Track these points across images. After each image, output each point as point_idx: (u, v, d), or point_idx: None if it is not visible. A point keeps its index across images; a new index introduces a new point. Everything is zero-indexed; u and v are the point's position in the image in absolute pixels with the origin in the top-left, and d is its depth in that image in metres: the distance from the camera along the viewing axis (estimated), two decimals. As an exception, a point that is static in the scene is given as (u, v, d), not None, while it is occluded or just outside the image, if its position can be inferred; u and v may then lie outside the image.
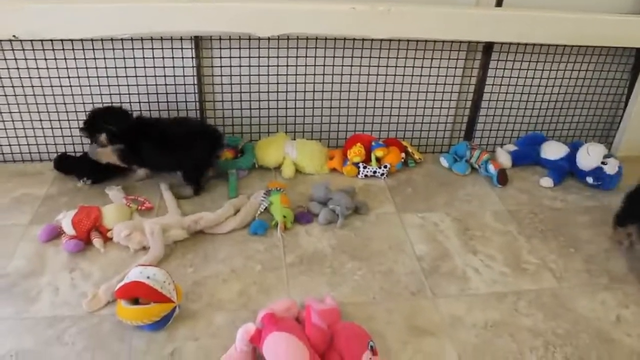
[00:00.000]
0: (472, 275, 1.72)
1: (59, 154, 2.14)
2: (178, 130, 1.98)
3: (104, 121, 1.93)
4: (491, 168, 2.18)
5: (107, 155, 1.97)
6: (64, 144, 2.19)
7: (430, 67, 2.22)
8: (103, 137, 1.93)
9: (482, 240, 1.88)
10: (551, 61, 2.29)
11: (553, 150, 2.31)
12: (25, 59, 2.02)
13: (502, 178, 2.17)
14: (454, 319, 1.55)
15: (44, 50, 2.01)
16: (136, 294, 1.43)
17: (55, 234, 1.79)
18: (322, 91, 2.22)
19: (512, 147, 2.39)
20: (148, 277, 1.44)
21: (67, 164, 2.11)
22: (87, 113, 1.98)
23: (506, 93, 2.33)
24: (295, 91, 2.21)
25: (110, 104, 2.09)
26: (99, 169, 2.03)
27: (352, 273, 1.70)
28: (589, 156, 2.19)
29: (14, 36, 1.88)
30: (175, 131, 1.98)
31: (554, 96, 2.39)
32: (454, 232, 1.91)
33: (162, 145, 1.95)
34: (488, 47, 2.21)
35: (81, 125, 1.97)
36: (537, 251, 1.84)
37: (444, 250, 1.82)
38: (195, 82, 2.13)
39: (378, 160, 2.17)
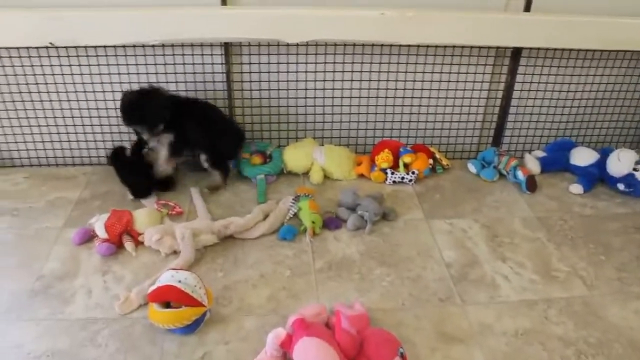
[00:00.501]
0: (501, 282, 1.71)
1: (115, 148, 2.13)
2: (215, 113, 2.09)
3: (155, 110, 1.95)
4: (520, 174, 2.17)
5: (169, 161, 2.05)
6: (97, 149, 2.24)
7: (459, 73, 2.22)
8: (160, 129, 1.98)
9: (511, 247, 1.87)
10: (581, 66, 2.27)
11: (583, 157, 2.28)
12: (61, 65, 2.07)
13: (531, 184, 2.15)
14: (483, 326, 1.54)
15: (78, 57, 2.06)
16: (168, 297, 1.45)
17: (88, 237, 1.83)
18: (350, 97, 2.23)
19: (540, 153, 2.37)
20: (179, 281, 1.46)
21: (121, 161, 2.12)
22: (125, 104, 1.96)
23: (535, 98, 2.32)
24: (324, 97, 2.22)
25: (140, 88, 2.02)
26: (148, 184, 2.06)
27: (381, 279, 1.70)
28: (620, 162, 2.16)
29: (50, 43, 1.93)
30: (213, 113, 2.09)
31: (583, 101, 2.36)
32: (482, 238, 1.91)
33: (203, 125, 2.03)
34: (516, 52, 2.20)
35: (132, 119, 1.97)
36: (567, 258, 1.82)
37: (473, 257, 1.82)
38: (225, 88, 2.16)
39: (406, 166, 2.17)
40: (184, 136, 2.02)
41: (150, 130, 1.97)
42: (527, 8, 2.11)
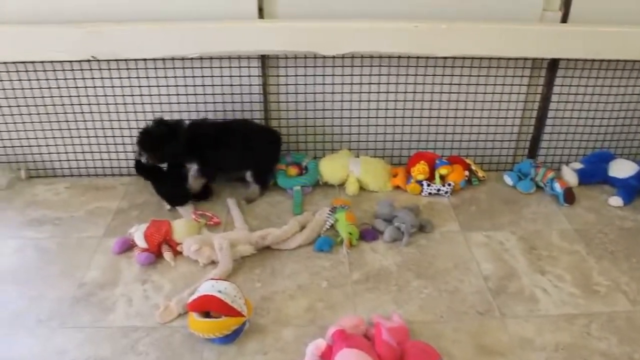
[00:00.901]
0: (540, 295, 1.69)
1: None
2: (251, 130, 2.12)
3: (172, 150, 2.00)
4: (557, 186, 2.14)
5: (197, 181, 2.08)
6: (134, 159, 2.26)
7: (495, 85, 2.21)
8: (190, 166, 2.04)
9: (550, 260, 1.84)
10: (619, 77, 2.23)
11: (622, 168, 2.24)
12: (102, 78, 2.12)
13: (569, 197, 2.12)
14: (523, 340, 1.52)
15: (119, 69, 2.10)
16: (208, 307, 1.47)
17: (128, 246, 1.86)
18: (386, 109, 2.24)
19: (578, 165, 2.34)
20: (219, 291, 1.47)
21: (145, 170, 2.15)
22: (143, 141, 2.00)
23: (572, 110, 2.29)
24: (360, 109, 2.23)
25: (158, 121, 2.04)
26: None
27: (418, 291, 1.70)
28: (661, 174, 2.13)
29: (92, 57, 1.98)
30: (249, 132, 2.11)
31: (622, 112, 2.32)
32: (520, 251, 1.89)
33: (243, 149, 2.06)
34: (553, 64, 2.18)
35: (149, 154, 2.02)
36: (607, 272, 1.79)
37: (511, 269, 1.80)
38: (262, 100, 2.18)
39: (442, 178, 2.16)
40: (218, 162, 2.08)
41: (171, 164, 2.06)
42: (564, 19, 2.10)
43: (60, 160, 2.28)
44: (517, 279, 1.76)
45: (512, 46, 2.05)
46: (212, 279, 1.56)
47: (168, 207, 2.06)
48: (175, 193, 2.05)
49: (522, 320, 1.60)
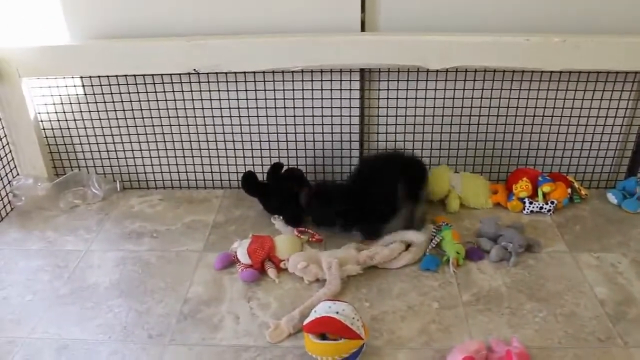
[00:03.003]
0: (664, 324, 1.60)
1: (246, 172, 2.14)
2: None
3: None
4: (666, 206, 2.05)
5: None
6: (228, 172, 2.28)
7: (601, 100, 2.11)
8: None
9: (669, 285, 1.76)
10: None
11: None
12: (200, 91, 2.12)
13: (680, 217, 2.03)
14: (654, 371, 1.44)
15: (217, 82, 2.10)
16: (327, 329, 1.42)
17: (229, 262, 1.84)
18: (487, 124, 2.17)
19: (686, 184, 2.23)
20: (337, 313, 1.43)
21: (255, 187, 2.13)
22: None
23: (680, 125, 2.19)
24: (460, 124, 2.17)
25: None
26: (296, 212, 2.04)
27: (533, 315, 1.62)
28: None
29: (194, 70, 1.98)
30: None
31: None
32: (634, 274, 1.78)
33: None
34: (661, 77, 2.09)
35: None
36: None
37: (628, 294, 1.70)
38: (360, 114, 2.15)
39: (544, 195, 2.09)
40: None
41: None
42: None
43: (153, 173, 2.29)
44: (635, 304, 1.66)
45: (624, 59, 1.95)
46: (327, 299, 1.52)
47: (283, 224, 2.02)
48: (293, 211, 2.01)
49: (649, 350, 1.51)
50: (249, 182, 2.11)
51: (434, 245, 1.85)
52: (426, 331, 1.56)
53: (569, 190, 2.13)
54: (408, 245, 1.85)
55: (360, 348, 1.44)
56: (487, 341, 1.49)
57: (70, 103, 2.17)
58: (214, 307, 1.67)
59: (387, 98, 2.12)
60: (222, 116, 2.16)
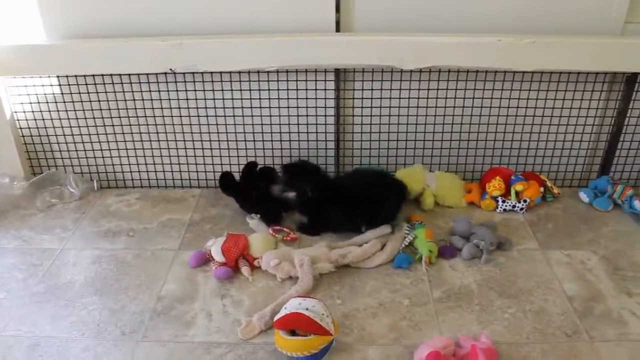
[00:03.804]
0: (629, 319, 1.61)
1: (223, 172, 2.17)
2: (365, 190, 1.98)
3: (301, 178, 1.97)
4: (637, 204, 2.06)
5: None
6: (205, 172, 2.29)
7: (572, 100, 2.15)
8: (292, 195, 1.98)
9: (636, 281, 1.77)
10: None
11: None
12: (177, 91, 2.13)
13: (651, 215, 2.06)
14: (618, 365, 1.47)
15: (194, 82, 2.12)
16: (296, 325, 1.44)
17: (204, 260, 1.85)
18: (461, 123, 2.20)
19: (658, 183, 2.27)
20: (307, 309, 1.45)
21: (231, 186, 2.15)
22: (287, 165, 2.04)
23: (650, 125, 2.23)
24: (434, 123, 2.20)
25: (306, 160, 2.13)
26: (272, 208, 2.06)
27: (502, 311, 1.64)
28: None
29: (170, 69, 1.99)
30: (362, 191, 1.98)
31: (702, 129, 2.25)
32: (603, 271, 1.82)
33: (348, 209, 1.96)
34: (631, 77, 2.11)
35: (283, 176, 2.00)
36: (701, 296, 1.72)
37: (596, 290, 1.73)
38: (335, 114, 2.17)
39: (517, 194, 2.11)
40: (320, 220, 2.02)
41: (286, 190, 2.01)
42: (648, 31, 2.05)
43: (131, 172, 2.30)
44: (602, 300, 1.69)
45: (594, 60, 1.99)
46: (298, 296, 1.54)
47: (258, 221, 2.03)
48: (271, 209, 2.05)
49: (613, 344, 1.53)
50: (226, 182, 2.13)
51: (407, 244, 1.88)
52: (396, 328, 1.58)
53: (542, 189, 2.16)
54: (383, 245, 1.87)
55: (329, 344, 1.45)
56: (455, 337, 1.52)
57: (47, 102, 2.17)
58: (187, 305, 1.68)
59: (362, 98, 2.15)
60: (198, 116, 2.18)
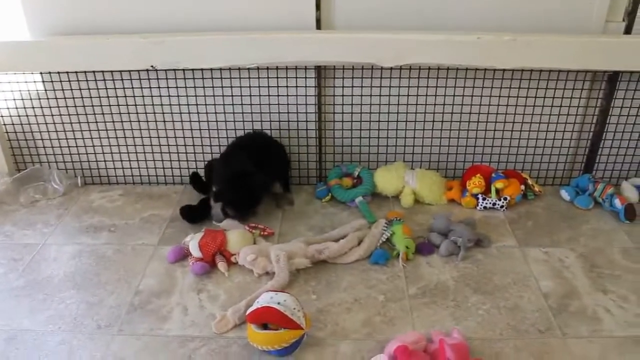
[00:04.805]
0: (603, 316, 1.62)
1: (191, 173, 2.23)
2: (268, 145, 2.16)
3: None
4: (617, 202, 2.08)
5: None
6: (188, 168, 2.30)
7: (554, 97, 2.15)
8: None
9: (612, 278, 1.78)
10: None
11: (686, 184, 2.17)
12: (159, 88, 2.14)
13: (630, 213, 2.05)
14: (588, 362, 1.48)
15: (176, 79, 2.13)
16: (267, 319, 1.45)
17: (182, 255, 1.87)
18: (442, 121, 2.21)
19: (639, 181, 2.27)
20: (278, 303, 1.46)
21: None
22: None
23: (633, 124, 2.22)
24: (415, 121, 2.20)
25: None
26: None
27: (477, 307, 1.65)
28: None
29: (151, 66, 2.00)
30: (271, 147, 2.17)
31: (685, 127, 2.25)
32: (580, 269, 1.82)
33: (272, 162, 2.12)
34: (613, 76, 2.12)
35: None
36: (676, 294, 1.72)
37: (571, 287, 1.74)
38: (316, 111, 2.18)
39: (497, 192, 2.12)
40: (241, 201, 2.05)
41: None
42: (628, 31, 2.04)
43: (115, 168, 2.32)
44: (577, 297, 1.70)
45: (575, 58, 1.99)
46: (270, 290, 1.55)
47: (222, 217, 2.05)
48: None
49: (586, 341, 1.54)
50: (194, 182, 2.20)
51: (384, 240, 1.89)
52: (370, 323, 1.59)
53: (523, 187, 2.17)
54: (360, 241, 1.88)
55: (300, 338, 1.46)
56: (428, 333, 1.53)
57: (31, 99, 2.19)
58: (164, 299, 1.69)
59: (343, 95, 2.16)
60: (180, 112, 2.19)
